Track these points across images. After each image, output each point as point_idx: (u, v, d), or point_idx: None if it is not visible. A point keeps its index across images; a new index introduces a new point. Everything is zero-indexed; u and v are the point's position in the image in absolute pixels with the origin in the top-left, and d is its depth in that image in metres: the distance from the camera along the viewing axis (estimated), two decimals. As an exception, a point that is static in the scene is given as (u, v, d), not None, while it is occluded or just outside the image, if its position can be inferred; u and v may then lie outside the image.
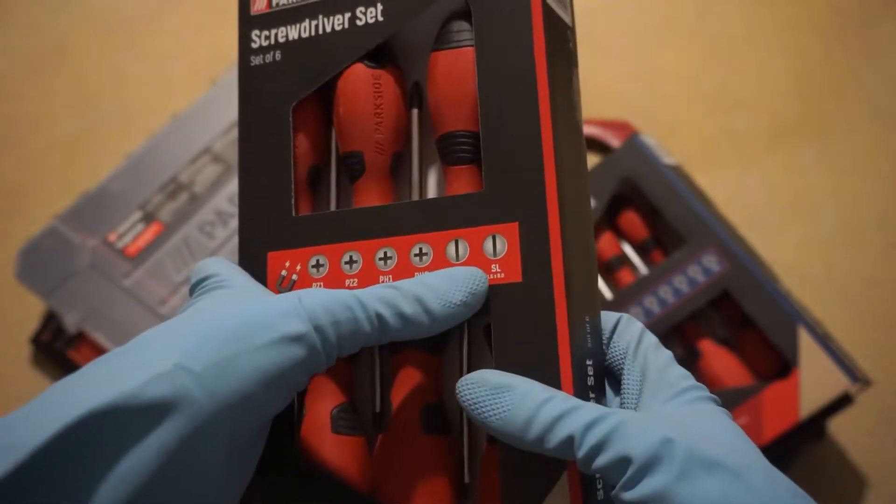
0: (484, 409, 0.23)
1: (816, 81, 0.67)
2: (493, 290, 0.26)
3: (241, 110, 0.30)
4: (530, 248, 0.25)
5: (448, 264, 0.26)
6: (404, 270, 0.27)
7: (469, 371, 0.26)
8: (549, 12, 0.27)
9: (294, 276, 0.28)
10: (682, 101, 0.68)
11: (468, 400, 0.24)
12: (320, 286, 0.27)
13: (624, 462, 0.21)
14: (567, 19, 0.29)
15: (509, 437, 0.23)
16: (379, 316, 0.24)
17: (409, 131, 0.31)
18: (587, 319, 0.26)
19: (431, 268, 0.26)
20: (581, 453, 0.22)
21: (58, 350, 0.58)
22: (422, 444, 0.27)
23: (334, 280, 0.27)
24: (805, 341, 0.53)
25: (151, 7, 0.78)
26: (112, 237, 0.59)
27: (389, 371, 0.29)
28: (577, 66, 0.29)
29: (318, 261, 0.28)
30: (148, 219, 0.60)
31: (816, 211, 0.64)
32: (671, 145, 0.65)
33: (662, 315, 0.57)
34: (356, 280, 0.27)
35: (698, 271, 0.56)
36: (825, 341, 0.53)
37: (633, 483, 0.21)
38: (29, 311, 0.62)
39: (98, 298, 0.57)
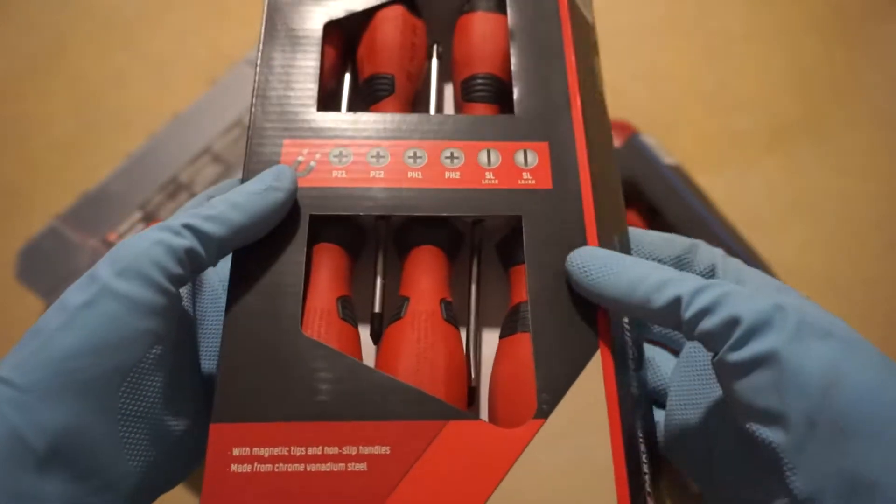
0: (593, 272, 0.24)
1: (816, 81, 0.67)
2: (524, 194, 0.27)
3: (268, 18, 0.31)
4: (560, 163, 0.27)
5: (479, 170, 0.27)
6: (435, 168, 0.27)
7: (478, 285, 0.28)
8: (573, 4, 0.31)
9: (312, 163, 0.27)
10: (682, 101, 0.68)
11: (577, 264, 0.24)
12: (343, 175, 0.27)
13: (732, 323, 0.21)
14: (589, 18, 0.32)
15: (614, 299, 0.23)
16: (188, 227, 0.23)
17: (430, 78, 0.33)
18: (615, 235, 0.27)
19: (463, 170, 0.27)
20: (688, 314, 0.21)
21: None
22: (444, 329, 0.26)
23: (359, 171, 0.27)
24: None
25: (151, 7, 0.78)
26: (112, 237, 0.59)
27: (391, 276, 0.29)
28: (598, 56, 0.32)
29: (341, 152, 0.28)
30: (148, 219, 0.60)
31: (816, 211, 0.64)
32: (671, 145, 0.65)
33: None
34: (382, 173, 0.27)
35: (698, 271, 0.56)
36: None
37: (742, 343, 0.20)
38: (29, 311, 0.62)
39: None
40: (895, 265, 0.63)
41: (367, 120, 0.29)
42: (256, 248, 0.26)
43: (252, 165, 0.27)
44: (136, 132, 0.67)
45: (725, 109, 0.68)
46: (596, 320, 0.24)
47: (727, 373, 0.21)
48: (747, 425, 0.21)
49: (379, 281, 0.28)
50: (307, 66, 0.30)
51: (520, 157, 0.28)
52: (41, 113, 0.73)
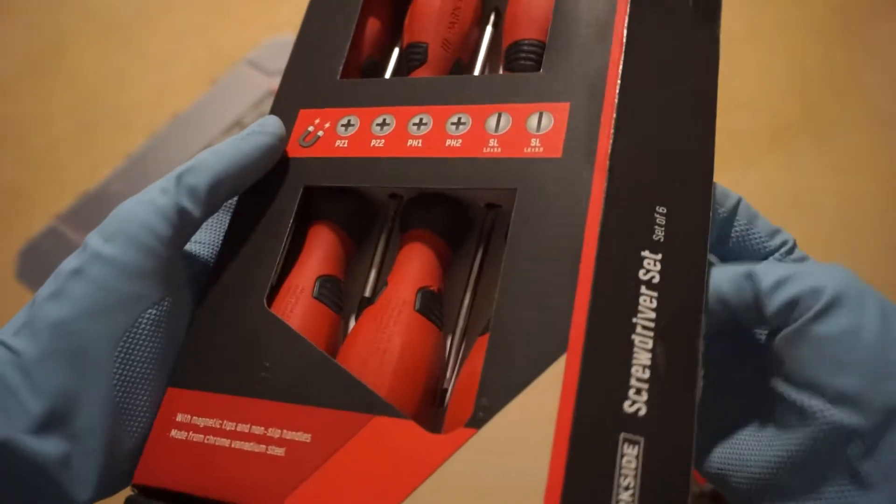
0: None
1: (816, 81, 0.67)
2: (526, 164, 0.24)
3: None
4: (577, 128, 0.24)
5: (484, 136, 0.25)
6: (437, 136, 0.25)
7: (477, 278, 0.25)
8: None
9: (320, 133, 0.27)
10: (682, 101, 0.68)
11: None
12: (345, 144, 0.26)
13: (815, 293, 0.20)
14: None
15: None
16: (173, 180, 0.23)
17: (478, 47, 0.31)
18: (658, 207, 0.23)
19: (467, 136, 0.25)
20: (764, 284, 0.21)
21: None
22: (410, 320, 0.24)
23: (361, 140, 0.26)
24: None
25: (151, 7, 0.78)
26: (112, 237, 0.59)
27: (392, 260, 0.27)
28: (717, 23, 0.27)
29: (349, 121, 0.27)
30: (148, 219, 0.60)
31: (816, 211, 0.64)
32: (671, 145, 0.65)
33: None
34: (383, 142, 0.26)
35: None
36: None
37: (825, 313, 0.20)
38: (29, 312, 0.62)
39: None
40: (895, 265, 0.63)
41: (379, 84, 0.28)
42: (249, 218, 0.25)
43: None
44: (136, 132, 0.67)
45: (725, 109, 0.67)
46: (570, 315, 0.20)
47: (802, 345, 0.20)
48: (809, 403, 0.20)
49: (375, 264, 0.27)
50: (343, 30, 0.29)
51: (533, 121, 0.25)
52: (41, 113, 0.73)
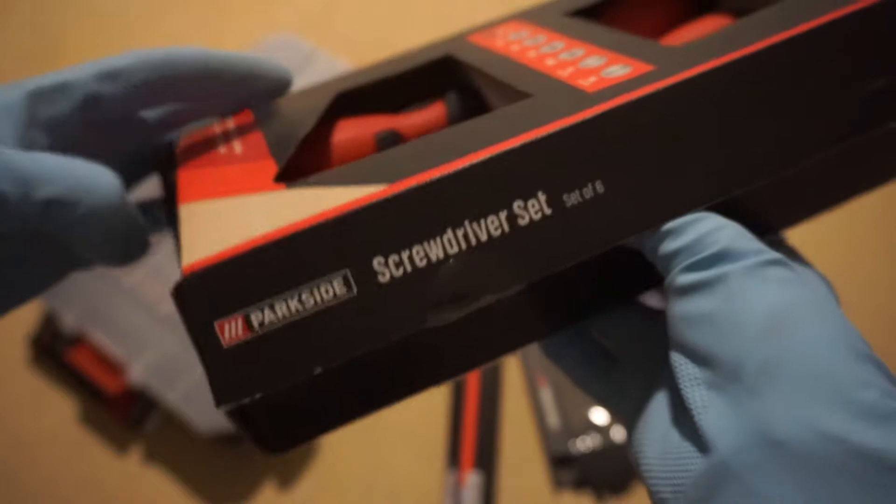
0: None
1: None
2: (556, 84, 0.23)
3: None
4: (634, 83, 0.22)
5: (557, 58, 0.25)
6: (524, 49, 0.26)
7: None
8: None
9: None
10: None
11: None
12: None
13: (696, 245, 0.19)
14: None
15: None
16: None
17: None
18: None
19: (543, 54, 0.26)
20: (658, 234, 0.20)
21: (56, 351, 0.58)
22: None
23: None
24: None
25: (151, 7, 0.78)
26: (111, 237, 0.59)
27: None
28: None
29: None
30: (147, 219, 0.60)
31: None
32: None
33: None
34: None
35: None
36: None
37: (699, 266, 0.19)
38: (27, 312, 0.62)
39: (97, 299, 0.57)
40: (895, 265, 0.63)
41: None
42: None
43: None
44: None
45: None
46: None
47: (671, 298, 0.20)
48: (672, 358, 0.19)
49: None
50: None
51: (614, 68, 0.23)
52: (41, 113, 0.73)
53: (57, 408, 0.59)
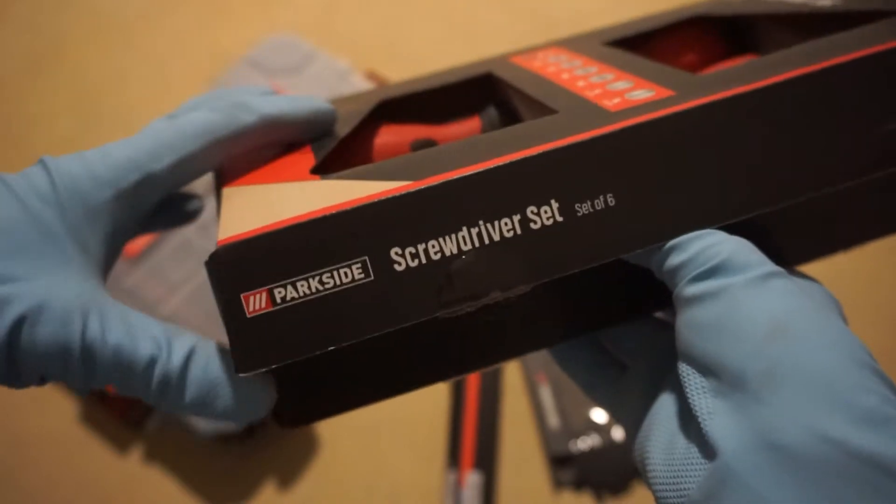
0: None
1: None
2: (578, 100, 0.25)
3: None
4: (656, 105, 0.23)
5: (586, 80, 0.27)
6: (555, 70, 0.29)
7: None
8: None
9: None
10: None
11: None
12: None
13: (700, 258, 0.20)
14: None
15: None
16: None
17: None
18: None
19: (573, 74, 0.28)
20: (664, 248, 0.21)
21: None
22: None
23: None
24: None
25: (151, 7, 0.78)
26: (112, 237, 0.59)
27: None
28: None
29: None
30: (147, 219, 0.60)
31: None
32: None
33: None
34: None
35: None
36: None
37: (703, 277, 0.20)
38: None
39: (97, 298, 0.57)
40: (895, 265, 0.63)
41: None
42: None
43: None
44: (136, 132, 0.67)
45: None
46: None
47: (678, 310, 0.20)
48: (680, 369, 0.20)
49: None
50: None
51: (639, 92, 0.24)
52: (42, 113, 0.73)
53: (57, 408, 0.59)
